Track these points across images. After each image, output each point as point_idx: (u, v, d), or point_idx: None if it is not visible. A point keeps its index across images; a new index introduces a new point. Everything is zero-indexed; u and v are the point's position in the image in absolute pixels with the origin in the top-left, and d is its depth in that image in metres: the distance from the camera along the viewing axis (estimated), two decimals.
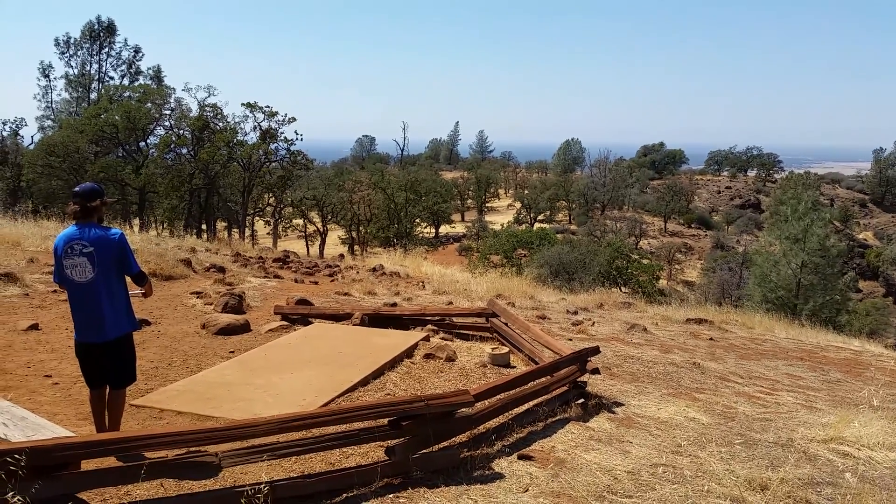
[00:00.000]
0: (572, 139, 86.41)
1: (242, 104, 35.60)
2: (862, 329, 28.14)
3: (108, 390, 4.46)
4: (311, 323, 8.56)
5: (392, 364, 6.77)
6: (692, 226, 58.87)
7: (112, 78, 50.84)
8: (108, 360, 4.34)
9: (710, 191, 71.00)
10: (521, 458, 4.59)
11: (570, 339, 8.91)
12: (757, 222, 57.81)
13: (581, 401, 5.84)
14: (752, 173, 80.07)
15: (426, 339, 7.84)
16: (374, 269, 15.24)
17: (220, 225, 39.96)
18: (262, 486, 3.62)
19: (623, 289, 25.35)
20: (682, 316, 12.70)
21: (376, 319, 8.64)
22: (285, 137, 36.26)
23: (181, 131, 35.27)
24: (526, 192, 62.90)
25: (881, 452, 5.19)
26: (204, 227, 35.03)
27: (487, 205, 65.90)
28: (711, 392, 6.94)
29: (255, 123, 35.70)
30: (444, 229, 52.70)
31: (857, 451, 5.17)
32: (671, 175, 74.70)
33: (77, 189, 4.28)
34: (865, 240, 58.89)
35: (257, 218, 42.37)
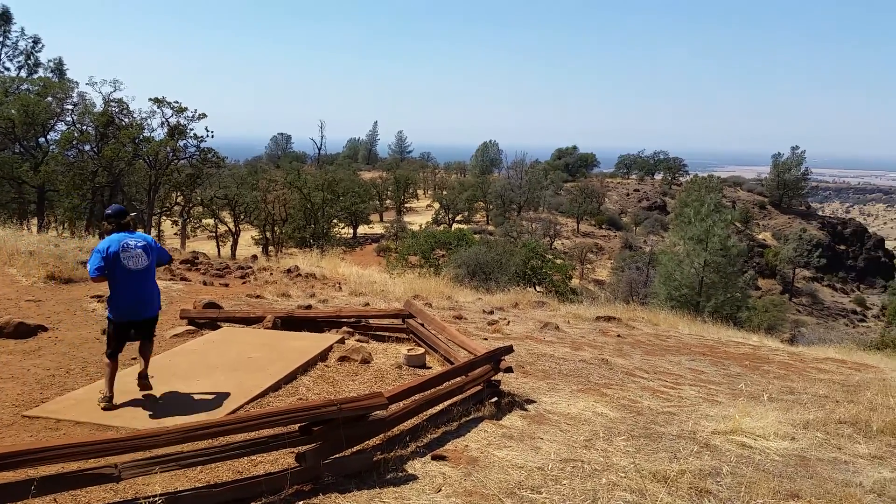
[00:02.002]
0: (490, 141, 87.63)
1: (150, 99, 34.09)
2: (761, 324, 29.89)
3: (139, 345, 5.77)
4: (219, 327, 8.30)
5: (305, 368, 6.65)
6: (603, 227, 60.83)
7: (7, 69, 47.54)
8: (143, 332, 5.67)
9: (619, 193, 73.57)
10: (434, 458, 4.62)
11: (486, 339, 9.02)
12: (663, 223, 60.31)
13: (495, 399, 5.93)
14: (658, 176, 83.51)
15: (341, 341, 7.75)
16: (288, 271, 14.94)
17: None
18: (155, 498, 3.48)
19: (538, 288, 25.91)
20: (592, 314, 13.11)
21: (289, 322, 8.46)
22: (195, 134, 34.99)
23: (84, 127, 33.43)
24: (444, 192, 63.29)
25: (775, 442, 5.52)
26: None
27: (406, 205, 65.90)
28: (619, 387, 7.20)
29: (163, 119, 34.27)
30: (362, 230, 52.31)
31: (753, 441, 5.48)
32: (584, 178, 76.98)
33: (109, 212, 5.60)
34: (764, 240, 62.55)
35: (164, 218, 40.69)
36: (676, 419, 6.08)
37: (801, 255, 54.73)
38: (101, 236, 6.13)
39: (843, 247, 65.93)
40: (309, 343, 7.46)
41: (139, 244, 5.50)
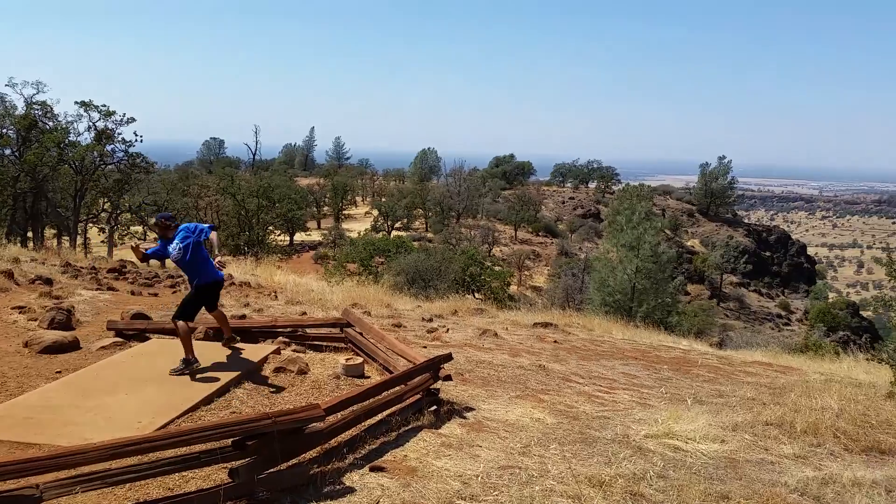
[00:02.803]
0: (429, 149, 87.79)
1: (76, 102, 32.74)
2: (691, 329, 30.86)
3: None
4: (149, 339, 8.01)
5: (239, 380, 6.48)
6: (540, 234, 61.77)
7: None
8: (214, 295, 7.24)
9: (555, 201, 74.91)
10: (373, 469, 4.57)
11: (425, 347, 9.01)
12: (597, 231, 61.71)
13: (434, 408, 5.92)
14: (592, 185, 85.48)
15: (277, 351, 7.60)
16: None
17: (49, 232, 36.41)
18: None
19: (477, 295, 26.06)
20: (530, 320, 13.26)
21: (223, 333, 8.24)
22: (123, 139, 33.82)
23: (5, 130, 31.85)
24: (383, 199, 63.08)
25: (706, 444, 5.69)
26: (30, 234, 31.84)
27: (344, 212, 65.31)
28: (555, 393, 7.30)
29: (90, 123, 32.98)
30: (299, 237, 51.52)
31: (685, 444, 5.64)
32: (521, 185, 78.01)
33: (164, 216, 6.98)
34: (693, 247, 64.74)
35: (91, 225, 39.10)
36: (611, 423, 6.21)
37: (729, 262, 56.90)
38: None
39: (767, 253, 68.92)
40: (243, 354, 7.29)
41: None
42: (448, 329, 10.94)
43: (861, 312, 56.98)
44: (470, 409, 6.18)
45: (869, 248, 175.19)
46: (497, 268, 32.91)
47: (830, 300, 62.62)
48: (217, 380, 6.29)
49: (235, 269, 16.93)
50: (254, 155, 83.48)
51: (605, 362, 9.74)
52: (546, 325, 12.86)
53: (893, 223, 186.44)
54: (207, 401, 5.85)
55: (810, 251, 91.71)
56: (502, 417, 6.05)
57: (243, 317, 9.93)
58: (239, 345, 7.71)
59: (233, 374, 6.48)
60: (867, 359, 12.17)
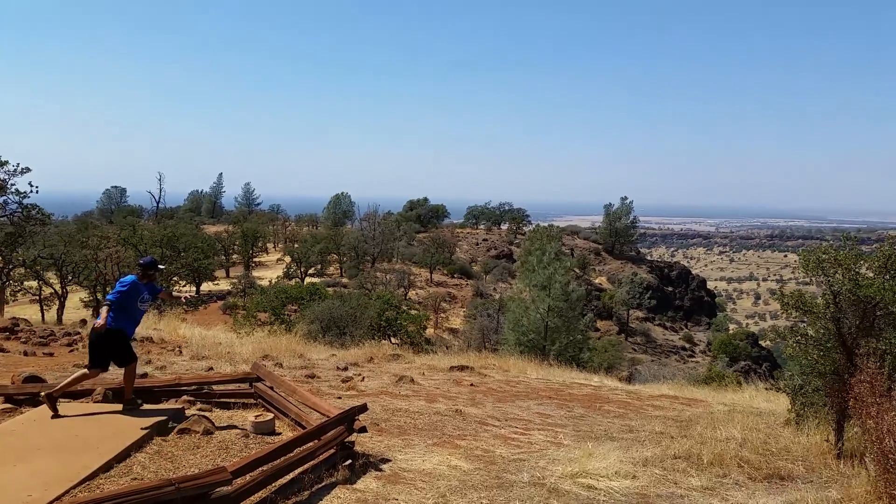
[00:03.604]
0: (342, 193, 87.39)
1: None
2: (602, 364, 31.65)
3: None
4: (42, 403, 7.46)
5: (140, 444, 6.11)
6: (455, 276, 62.24)
7: None
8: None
9: (469, 243, 75.95)
10: None
11: (340, 398, 8.82)
12: (510, 271, 62.84)
13: (349, 462, 5.76)
14: (504, 226, 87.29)
15: (181, 412, 7.23)
16: None
17: None
18: None
19: (393, 340, 25.85)
20: (446, 364, 13.26)
21: (122, 394, 7.77)
22: (17, 189, 31.91)
23: None
24: (296, 245, 62.00)
25: (618, 481, 5.79)
26: None
27: (255, 260, 63.67)
28: (472, 437, 7.28)
29: None
30: (206, 287, 49.74)
31: (597, 482, 5.72)
32: (435, 228, 78.73)
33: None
34: (600, 284, 66.86)
35: None
36: (527, 466, 6.23)
37: (634, 297, 59.07)
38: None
39: (670, 288, 72.06)
40: (145, 416, 6.89)
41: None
42: (364, 377, 10.77)
43: (760, 342, 60.25)
44: (386, 461, 6.06)
45: (764, 280, 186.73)
46: (413, 311, 32.84)
47: (731, 331, 65.89)
48: (117, 445, 5.90)
49: None
50: (157, 203, 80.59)
51: (521, 403, 9.83)
52: (462, 368, 12.89)
53: (785, 256, 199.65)
54: (106, 468, 5.48)
55: (710, 285, 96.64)
56: (419, 467, 5.96)
57: (144, 375, 9.43)
58: (141, 407, 7.30)
59: (134, 439, 6.11)
60: (766, 388, 12.84)
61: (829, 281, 6.88)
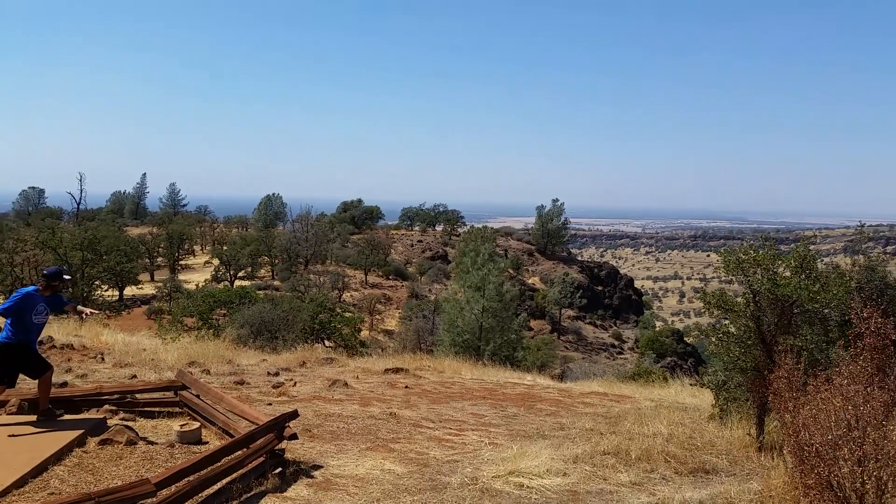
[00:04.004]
0: (273, 194, 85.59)
1: None
2: (535, 363, 32.11)
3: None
4: None
5: (59, 457, 5.81)
6: (390, 277, 61.98)
7: None
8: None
9: (404, 244, 75.79)
10: None
11: (270, 404, 8.61)
12: (445, 272, 63.01)
13: (279, 470, 5.63)
14: (439, 228, 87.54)
15: (103, 422, 6.91)
16: (40, 343, 13.12)
17: None
18: None
19: (327, 343, 25.49)
20: (381, 367, 13.16)
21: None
22: None
23: None
24: (225, 248, 60.38)
25: (549, 479, 5.87)
26: None
27: (181, 262, 61.68)
28: (406, 440, 7.23)
29: None
30: (130, 291, 47.87)
31: (530, 480, 5.78)
32: (370, 230, 78.21)
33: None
34: (533, 284, 67.85)
35: None
36: (460, 466, 6.24)
37: (566, 297, 60.21)
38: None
39: (600, 287, 73.83)
40: (64, 427, 6.55)
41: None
42: (296, 382, 10.56)
43: (685, 339, 62.43)
44: (318, 467, 5.96)
45: (688, 278, 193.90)
46: (348, 313, 32.48)
47: (657, 329, 68.03)
48: (32, 459, 5.59)
49: (56, 329, 15.34)
50: (78, 204, 77.13)
51: (455, 404, 9.84)
52: (397, 370, 12.82)
53: (708, 256, 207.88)
54: (20, 483, 5.19)
55: (637, 284, 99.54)
56: (352, 472, 5.88)
57: (64, 384, 8.97)
58: (60, 418, 6.94)
59: (51, 451, 5.80)
60: (692, 384, 13.28)
61: (748, 280, 7.17)
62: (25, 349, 6.76)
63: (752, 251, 7.30)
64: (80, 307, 7.47)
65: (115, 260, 42.20)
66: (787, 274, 7.14)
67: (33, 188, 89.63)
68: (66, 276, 7.24)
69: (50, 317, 7.25)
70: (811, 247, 7.68)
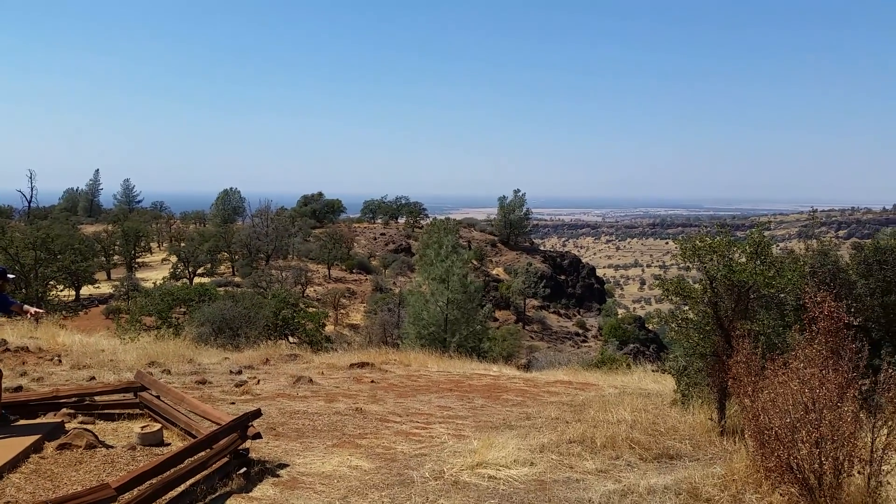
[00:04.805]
0: (231, 188, 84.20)
1: None
2: (501, 353, 32.31)
3: None
4: None
5: (14, 463, 5.62)
6: (354, 271, 61.62)
7: None
8: None
9: (367, 237, 75.40)
10: None
11: (234, 403, 8.49)
12: (409, 265, 62.91)
13: (243, 470, 5.55)
14: (402, 220, 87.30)
15: (61, 426, 6.72)
16: None
17: None
18: None
19: (291, 339, 25.24)
20: (346, 362, 13.09)
21: None
22: None
23: None
24: (182, 244, 59.27)
25: (516, 469, 5.90)
26: None
27: (138, 260, 60.31)
28: (373, 436, 7.21)
29: None
30: (86, 290, 46.70)
31: (497, 472, 5.81)
32: (331, 223, 77.60)
33: None
34: (497, 275, 68.19)
35: None
36: (428, 460, 6.24)
37: (529, 287, 60.69)
38: None
39: (563, 277, 74.59)
40: (18, 433, 6.35)
41: None
42: (259, 380, 10.44)
43: (647, 325, 63.50)
44: (284, 466, 5.89)
45: (648, 266, 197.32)
46: (311, 309, 32.19)
47: (620, 316, 69.08)
48: None
49: (10, 332, 14.86)
50: (29, 202, 74.82)
51: (422, 397, 9.84)
52: (363, 364, 12.76)
53: (667, 243, 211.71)
54: None
55: (599, 272, 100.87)
56: (318, 470, 5.83)
57: (19, 388, 8.72)
58: (15, 423, 6.73)
59: (7, 458, 5.61)
60: (654, 370, 13.52)
61: (705, 267, 7.30)
62: None
63: (707, 238, 7.43)
64: (25, 306, 7.19)
65: (69, 259, 41.10)
66: (743, 260, 7.29)
67: None
68: (10, 276, 6.98)
69: (1, 319, 6.97)
70: (766, 232, 7.86)
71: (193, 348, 14.45)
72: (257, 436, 5.83)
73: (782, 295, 7.40)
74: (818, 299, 5.02)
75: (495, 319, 52.00)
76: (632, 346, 48.51)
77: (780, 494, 4.68)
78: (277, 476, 5.61)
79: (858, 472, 4.55)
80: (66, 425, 6.80)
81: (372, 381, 10.93)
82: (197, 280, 47.50)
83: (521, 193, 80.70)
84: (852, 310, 7.65)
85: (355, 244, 69.95)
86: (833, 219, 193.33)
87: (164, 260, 59.56)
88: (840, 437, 4.41)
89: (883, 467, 4.57)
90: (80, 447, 6.05)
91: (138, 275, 53.27)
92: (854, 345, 4.77)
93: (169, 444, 6.34)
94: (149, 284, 44.92)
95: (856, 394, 4.65)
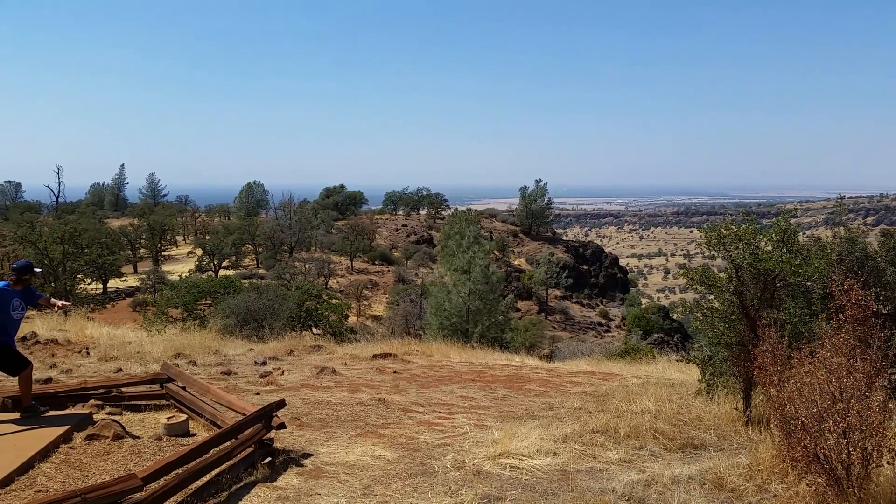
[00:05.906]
0: (254, 182, 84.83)
1: None
2: (523, 343, 32.25)
3: None
4: None
5: (45, 453, 5.75)
6: (376, 262, 61.86)
7: None
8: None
9: (389, 229, 75.62)
10: None
11: (258, 394, 8.58)
12: (431, 256, 62.99)
13: (268, 460, 5.61)
14: (423, 211, 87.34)
15: (89, 416, 6.85)
16: (24, 339, 12.97)
17: None
18: None
19: (314, 330, 25.43)
20: (369, 353, 13.15)
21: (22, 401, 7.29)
22: None
23: None
24: (207, 237, 59.91)
25: (539, 459, 5.89)
26: None
27: (164, 253, 61.09)
28: (396, 426, 7.24)
29: None
30: (113, 284, 47.46)
31: (520, 461, 5.80)
32: (353, 215, 77.87)
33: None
34: (519, 265, 68.01)
35: None
36: (451, 450, 6.25)
37: (552, 277, 60.43)
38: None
39: (585, 266, 74.16)
40: (49, 424, 6.48)
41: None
42: (283, 371, 10.53)
43: (671, 315, 62.96)
44: (308, 456, 5.94)
45: (672, 255, 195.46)
46: (334, 300, 32.39)
47: (643, 306, 68.52)
48: (18, 456, 5.53)
49: (40, 325, 15.16)
50: (57, 197, 76.17)
51: (444, 387, 9.86)
52: (385, 355, 12.81)
53: (692, 232, 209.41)
54: (6, 482, 5.13)
55: (622, 262, 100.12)
56: (342, 459, 5.87)
57: (49, 380, 8.89)
58: (45, 414, 6.87)
59: (37, 448, 5.74)
60: (678, 360, 13.40)
61: (730, 256, 7.20)
62: (3, 346, 6.65)
63: (733, 226, 7.32)
64: (52, 299, 7.32)
65: (96, 253, 41.80)
66: (769, 248, 7.18)
67: (9, 182, 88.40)
68: (37, 269, 7.15)
69: (31, 312, 7.14)
70: (792, 220, 7.72)
71: (219, 340, 14.62)
72: (281, 426, 5.88)
73: (809, 283, 7.27)
74: (846, 287, 4.93)
75: (517, 310, 51.90)
76: (656, 335, 48.14)
77: (807, 484, 4.62)
78: (301, 465, 5.66)
79: (888, 463, 4.47)
80: (94, 416, 6.93)
81: (394, 372, 10.97)
82: (222, 272, 48.03)
83: (542, 183, 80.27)
84: (881, 298, 7.48)
85: (377, 236, 70.17)
86: (861, 205, 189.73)
87: (189, 253, 60.26)
88: (868, 426, 4.33)
89: None
90: (108, 438, 6.16)
91: (164, 268, 53.98)
92: (883, 333, 4.67)
93: (195, 435, 6.43)
94: (175, 277, 45.47)
95: (884, 383, 4.56)
